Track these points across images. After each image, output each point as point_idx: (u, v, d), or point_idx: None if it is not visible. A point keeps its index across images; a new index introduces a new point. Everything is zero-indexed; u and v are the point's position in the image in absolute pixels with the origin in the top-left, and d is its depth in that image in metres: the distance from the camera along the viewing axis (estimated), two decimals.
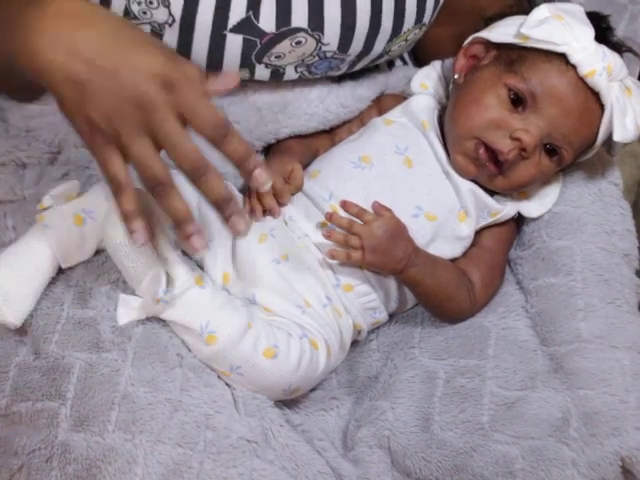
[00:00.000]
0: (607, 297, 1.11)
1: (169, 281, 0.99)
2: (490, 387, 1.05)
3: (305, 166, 1.16)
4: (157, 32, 1.04)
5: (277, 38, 1.05)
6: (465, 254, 1.15)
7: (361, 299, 1.11)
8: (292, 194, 1.12)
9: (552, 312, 1.11)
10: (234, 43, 1.05)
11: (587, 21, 1.11)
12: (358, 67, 1.15)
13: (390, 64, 1.30)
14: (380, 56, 1.14)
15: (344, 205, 1.07)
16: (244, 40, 1.05)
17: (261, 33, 1.04)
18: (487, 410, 1.04)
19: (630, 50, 1.15)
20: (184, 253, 1.04)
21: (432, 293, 1.10)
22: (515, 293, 1.16)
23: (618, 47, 1.13)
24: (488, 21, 1.17)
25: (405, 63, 1.34)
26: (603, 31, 1.12)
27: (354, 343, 1.15)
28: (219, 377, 1.03)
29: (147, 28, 1.04)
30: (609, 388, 1.04)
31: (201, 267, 1.08)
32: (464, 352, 1.09)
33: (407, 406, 1.06)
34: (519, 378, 1.06)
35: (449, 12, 1.18)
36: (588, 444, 1.01)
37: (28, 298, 1.01)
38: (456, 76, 1.15)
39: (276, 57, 1.07)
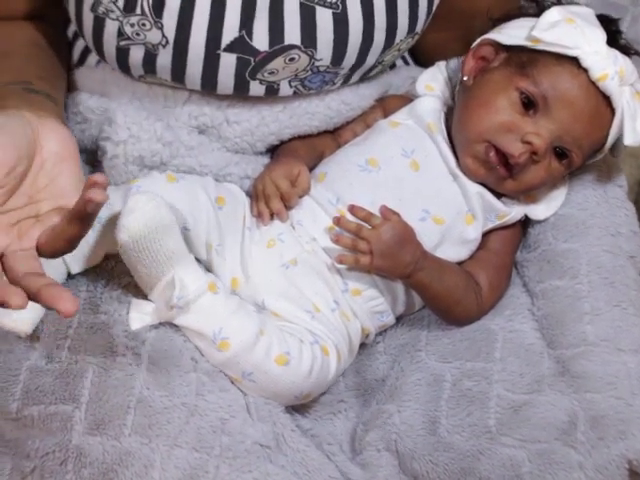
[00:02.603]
0: (613, 300, 1.12)
1: (182, 286, 1.00)
2: (497, 390, 1.07)
3: (310, 169, 1.16)
4: (152, 53, 1.06)
5: (271, 56, 1.06)
6: (472, 257, 1.16)
7: (369, 303, 1.12)
8: (299, 197, 1.13)
9: (558, 315, 1.12)
10: (228, 62, 1.06)
11: (598, 24, 1.12)
12: (353, 80, 1.16)
13: (391, 65, 1.30)
14: (373, 67, 1.15)
15: (352, 209, 1.09)
16: (238, 59, 1.06)
17: (255, 51, 1.06)
18: (494, 413, 1.05)
19: (637, 53, 1.16)
20: (196, 258, 1.05)
21: (440, 297, 1.12)
22: (521, 296, 1.17)
23: (626, 50, 1.14)
24: (495, 22, 1.17)
25: (407, 63, 1.35)
26: (613, 34, 1.13)
27: (361, 346, 1.16)
28: (232, 381, 1.04)
29: (141, 48, 1.06)
30: (615, 391, 1.05)
31: (210, 272, 1.09)
32: (471, 355, 1.10)
33: (414, 409, 1.07)
34: (526, 381, 1.07)
35: (445, 17, 1.19)
36: (595, 447, 1.02)
37: (39, 305, 0.96)
38: (465, 78, 1.16)
39: (270, 73, 1.08)
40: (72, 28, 1.23)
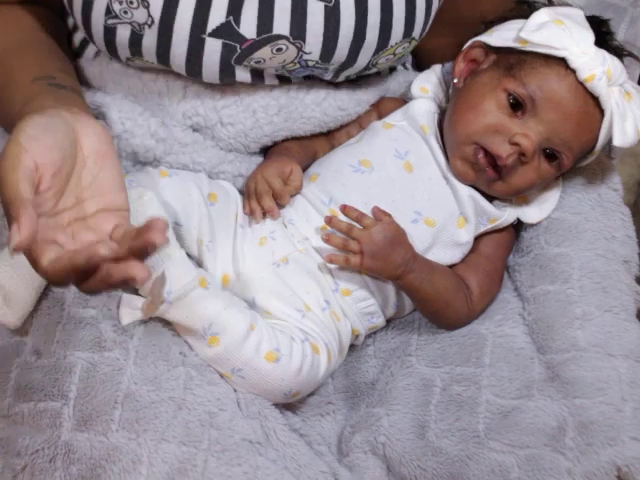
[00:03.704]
0: (604, 305, 1.13)
1: (172, 281, 1.01)
2: (486, 395, 1.08)
3: (304, 168, 1.17)
4: (138, 33, 1.06)
5: (257, 44, 1.07)
6: (464, 260, 1.18)
7: (359, 304, 1.13)
8: (291, 195, 1.14)
9: (549, 320, 1.13)
10: (213, 47, 1.07)
11: (587, 25, 1.13)
12: (342, 77, 1.16)
13: (391, 68, 1.31)
14: (366, 68, 1.15)
15: (344, 209, 1.10)
16: (223, 45, 1.06)
17: (241, 38, 1.06)
18: (483, 418, 1.06)
19: (630, 54, 1.17)
20: (187, 254, 1.06)
21: (430, 299, 1.13)
22: (512, 300, 1.18)
23: (618, 51, 1.15)
24: (488, 24, 1.18)
25: (406, 68, 1.35)
26: (603, 35, 1.14)
27: (351, 348, 1.17)
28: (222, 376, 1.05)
29: (128, 28, 1.06)
30: (605, 397, 1.06)
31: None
32: (461, 360, 1.12)
33: (403, 413, 1.08)
34: (515, 387, 1.08)
35: (450, 24, 1.20)
36: (584, 453, 1.03)
37: (29, 298, 1.02)
38: (455, 80, 1.17)
39: (256, 62, 1.09)
40: (71, 20, 1.24)
